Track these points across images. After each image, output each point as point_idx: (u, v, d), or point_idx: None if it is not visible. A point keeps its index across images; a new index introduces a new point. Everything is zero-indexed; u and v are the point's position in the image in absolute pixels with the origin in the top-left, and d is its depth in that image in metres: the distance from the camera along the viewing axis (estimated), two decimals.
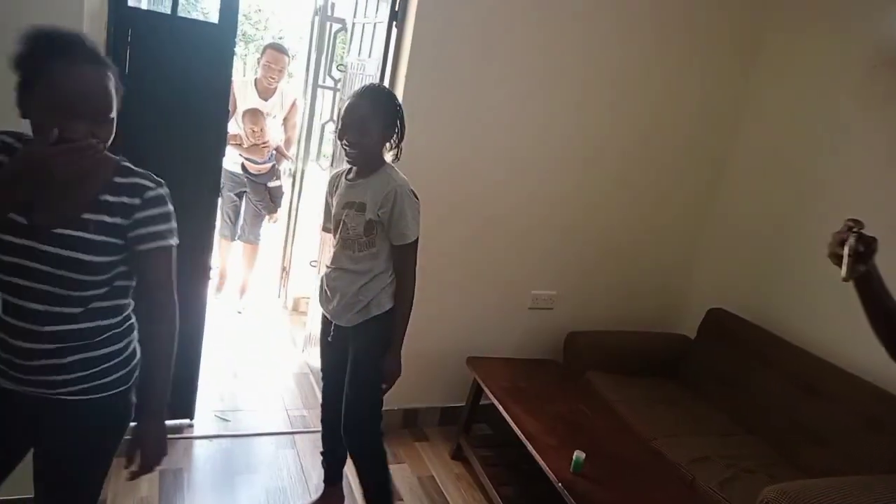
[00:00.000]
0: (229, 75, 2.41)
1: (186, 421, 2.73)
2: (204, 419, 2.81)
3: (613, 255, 3.20)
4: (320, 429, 2.36)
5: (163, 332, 1.37)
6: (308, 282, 3.90)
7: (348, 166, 2.08)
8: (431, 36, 2.54)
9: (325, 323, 2.21)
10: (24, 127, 1.22)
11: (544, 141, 2.88)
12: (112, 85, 1.22)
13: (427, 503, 2.56)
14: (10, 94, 1.20)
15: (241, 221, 4.01)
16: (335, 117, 3.67)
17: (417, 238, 2.00)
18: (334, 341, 2.17)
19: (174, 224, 1.35)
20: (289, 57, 3.86)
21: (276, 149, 3.87)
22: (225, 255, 4.09)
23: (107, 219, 1.28)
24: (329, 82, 3.91)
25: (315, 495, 2.44)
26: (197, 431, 2.73)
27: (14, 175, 1.19)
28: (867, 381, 2.38)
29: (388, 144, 2.02)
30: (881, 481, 1.96)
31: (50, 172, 1.16)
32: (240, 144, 3.70)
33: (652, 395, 2.82)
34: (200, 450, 2.64)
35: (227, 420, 2.87)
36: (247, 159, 3.80)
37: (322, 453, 2.38)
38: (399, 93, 2.57)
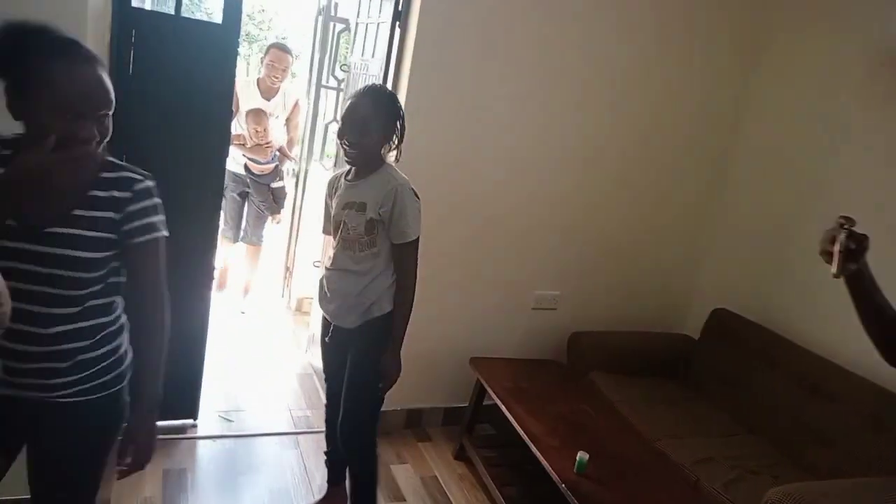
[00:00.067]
0: (233, 76, 2.41)
1: (190, 421, 2.74)
2: (207, 419, 2.81)
3: (614, 255, 3.20)
4: (324, 429, 2.36)
5: (155, 324, 1.37)
6: (311, 282, 3.90)
7: (347, 168, 2.08)
8: (434, 36, 2.54)
9: (325, 323, 2.21)
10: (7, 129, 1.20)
11: (544, 141, 2.88)
12: (109, 81, 1.22)
13: (430, 503, 2.56)
14: None
15: (244, 223, 4.00)
16: (338, 117, 3.67)
17: (418, 237, 2.00)
18: (333, 342, 2.17)
19: (163, 215, 1.37)
20: (292, 56, 3.86)
21: (279, 149, 3.87)
22: (227, 256, 4.09)
23: (98, 214, 1.28)
24: (332, 82, 3.90)
25: (318, 496, 2.44)
26: (200, 432, 2.74)
27: (13, 185, 1.16)
28: (871, 381, 2.37)
29: (388, 145, 2.02)
30: (887, 483, 1.96)
31: (49, 181, 1.15)
32: (243, 144, 3.70)
33: (655, 395, 2.82)
34: (204, 450, 2.65)
35: (230, 420, 2.87)
36: (250, 159, 3.80)
37: (326, 453, 2.39)
38: (402, 93, 2.57)
